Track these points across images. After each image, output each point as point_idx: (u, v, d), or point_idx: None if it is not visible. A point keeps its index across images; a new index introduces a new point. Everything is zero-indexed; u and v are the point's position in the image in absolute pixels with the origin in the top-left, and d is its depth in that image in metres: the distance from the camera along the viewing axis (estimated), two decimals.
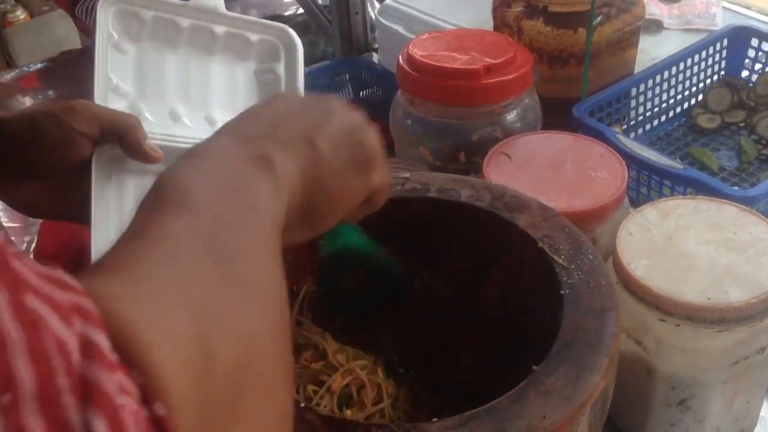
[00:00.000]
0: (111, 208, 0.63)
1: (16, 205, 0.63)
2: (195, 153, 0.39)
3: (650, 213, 0.66)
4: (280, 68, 0.74)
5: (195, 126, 0.71)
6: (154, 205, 0.34)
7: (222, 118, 0.69)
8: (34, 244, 0.94)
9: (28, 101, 1.42)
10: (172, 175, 0.36)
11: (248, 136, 0.41)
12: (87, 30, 1.58)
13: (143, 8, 0.68)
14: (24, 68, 1.55)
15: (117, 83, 0.68)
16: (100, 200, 0.61)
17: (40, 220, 0.94)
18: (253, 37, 0.73)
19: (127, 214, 0.61)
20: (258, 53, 0.74)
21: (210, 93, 0.72)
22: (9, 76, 1.51)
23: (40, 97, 1.43)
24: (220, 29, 0.72)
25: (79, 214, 0.62)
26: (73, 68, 1.51)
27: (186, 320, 0.28)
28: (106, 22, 0.66)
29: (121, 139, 0.62)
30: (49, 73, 1.50)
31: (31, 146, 0.59)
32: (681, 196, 0.70)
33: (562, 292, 0.56)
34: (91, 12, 1.54)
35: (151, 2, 0.69)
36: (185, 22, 0.70)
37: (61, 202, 0.63)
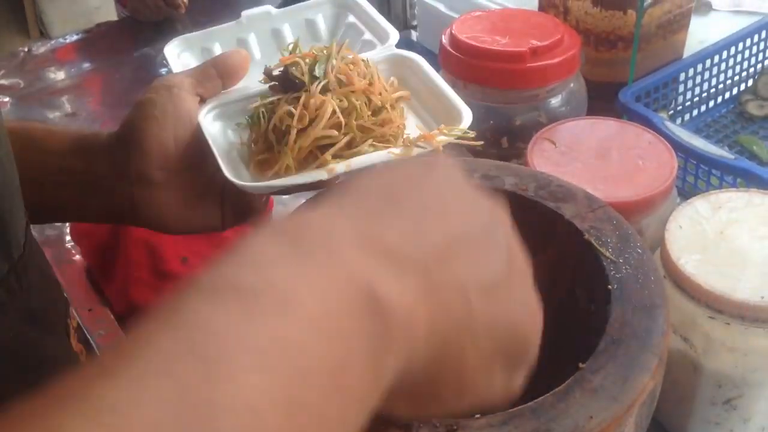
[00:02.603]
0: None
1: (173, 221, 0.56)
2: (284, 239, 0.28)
3: (701, 205, 0.64)
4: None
5: None
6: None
7: None
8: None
9: (61, 75, 1.41)
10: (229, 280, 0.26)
11: (367, 237, 0.29)
12: (123, 1, 1.57)
13: (206, 41, 0.65)
14: (60, 39, 1.54)
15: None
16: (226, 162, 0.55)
17: None
18: (317, 16, 0.67)
19: None
20: (324, 17, 0.68)
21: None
22: (44, 48, 1.50)
23: (73, 70, 1.43)
24: (282, 25, 0.67)
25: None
26: (110, 41, 1.51)
27: None
28: (175, 60, 0.63)
29: (218, 76, 0.56)
30: (85, 45, 1.50)
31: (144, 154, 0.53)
32: (733, 189, 0.68)
33: (609, 286, 0.55)
34: None
35: (209, 35, 0.65)
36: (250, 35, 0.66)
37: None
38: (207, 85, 0.56)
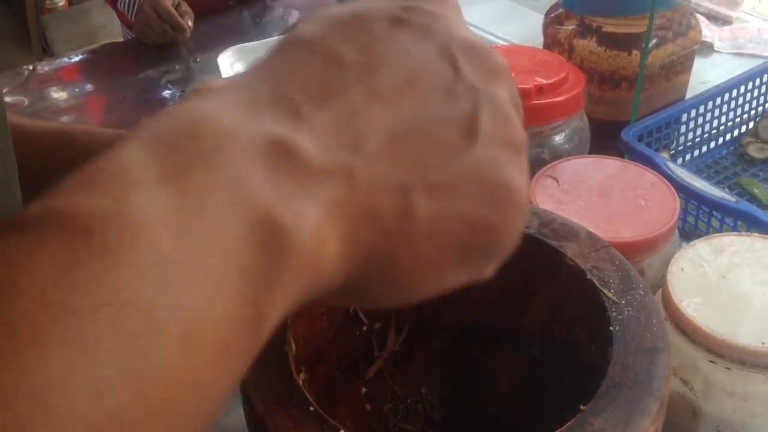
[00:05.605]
0: None
1: None
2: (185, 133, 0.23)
3: (703, 249, 0.64)
4: None
5: None
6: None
7: None
8: None
9: (65, 95, 1.41)
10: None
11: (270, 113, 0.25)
12: (130, 23, 1.58)
13: (258, 53, 0.68)
14: (65, 59, 1.54)
15: None
16: None
17: None
18: None
19: None
20: None
21: None
22: (48, 66, 1.51)
23: (76, 90, 1.43)
24: None
25: None
26: (114, 62, 1.51)
27: None
28: (228, 70, 0.66)
29: None
30: (89, 65, 1.50)
31: None
32: (735, 233, 0.68)
33: (611, 328, 0.55)
34: (134, 5, 1.54)
35: (263, 46, 0.68)
36: None
37: None
38: None
